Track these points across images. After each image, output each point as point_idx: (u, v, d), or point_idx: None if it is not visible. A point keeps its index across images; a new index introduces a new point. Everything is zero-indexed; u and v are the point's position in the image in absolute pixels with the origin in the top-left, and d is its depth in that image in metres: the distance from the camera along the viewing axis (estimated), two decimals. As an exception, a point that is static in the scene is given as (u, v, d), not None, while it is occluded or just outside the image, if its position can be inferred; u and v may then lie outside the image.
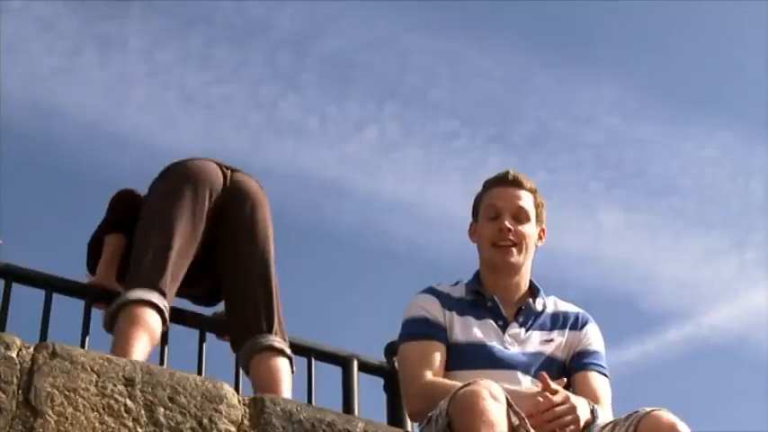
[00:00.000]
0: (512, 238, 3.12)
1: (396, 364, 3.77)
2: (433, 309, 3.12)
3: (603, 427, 2.78)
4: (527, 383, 2.99)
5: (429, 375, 2.99)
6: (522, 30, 12.82)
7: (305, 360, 3.81)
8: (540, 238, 3.23)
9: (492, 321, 3.10)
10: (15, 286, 3.52)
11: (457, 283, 3.22)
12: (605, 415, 2.91)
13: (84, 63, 10.23)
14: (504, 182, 3.23)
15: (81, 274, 3.83)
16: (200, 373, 3.59)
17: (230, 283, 3.66)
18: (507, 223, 3.13)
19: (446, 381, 2.95)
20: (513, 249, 3.12)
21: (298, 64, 11.93)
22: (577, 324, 3.17)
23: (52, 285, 3.58)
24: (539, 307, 3.16)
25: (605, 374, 3.10)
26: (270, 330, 3.52)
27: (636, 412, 2.72)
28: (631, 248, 13.14)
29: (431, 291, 3.18)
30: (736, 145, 13.39)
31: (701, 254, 13.43)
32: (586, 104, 12.91)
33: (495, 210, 3.18)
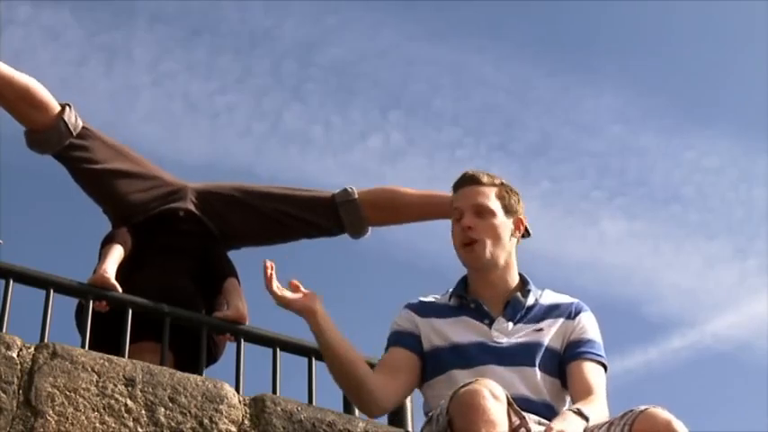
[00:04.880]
0: (472, 235, 3.11)
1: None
2: (402, 321, 3.17)
3: (600, 428, 2.76)
4: (522, 376, 2.98)
5: (372, 372, 3.07)
6: (525, 39, 12.86)
7: (305, 360, 3.81)
8: (517, 228, 3.19)
9: (477, 321, 3.09)
10: (15, 286, 3.51)
11: (447, 292, 3.22)
12: (597, 408, 2.86)
13: (90, 73, 10.27)
14: (462, 182, 3.22)
15: (81, 274, 3.84)
16: (200, 373, 3.59)
17: None
18: (467, 221, 3.12)
19: (365, 371, 3.03)
20: (476, 246, 3.10)
21: (302, 73, 11.98)
22: (571, 313, 3.12)
23: (52, 285, 3.57)
24: (529, 301, 3.12)
25: (601, 363, 3.05)
26: None
27: (631, 411, 2.69)
28: (634, 257, 13.16)
29: (409, 305, 3.21)
30: (739, 153, 13.44)
31: (703, 262, 13.46)
32: (589, 113, 12.95)
33: (457, 211, 3.17)
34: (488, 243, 3.11)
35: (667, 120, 13.22)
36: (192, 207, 4.24)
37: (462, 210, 3.15)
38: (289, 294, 3.02)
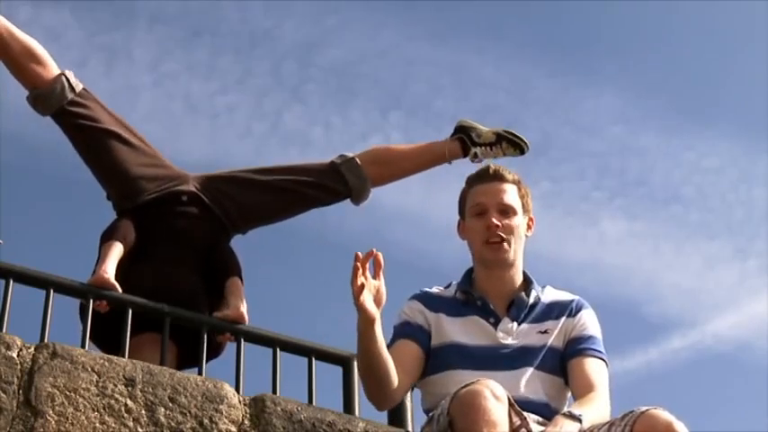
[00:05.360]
0: (500, 233, 3.11)
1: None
2: (412, 312, 3.14)
3: (600, 428, 2.76)
4: (525, 378, 2.98)
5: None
6: (525, 39, 12.89)
7: (305, 360, 3.81)
8: (528, 227, 3.22)
9: (483, 320, 3.09)
10: (15, 286, 3.51)
11: (449, 285, 3.22)
12: (594, 405, 2.87)
13: (91, 74, 10.28)
14: (487, 177, 3.21)
15: (81, 274, 3.83)
16: (200, 373, 3.59)
17: None
18: (494, 219, 3.12)
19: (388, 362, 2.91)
20: (504, 244, 3.11)
21: (302, 74, 12.00)
22: (572, 310, 3.13)
23: (52, 285, 3.57)
24: (532, 299, 3.13)
25: (602, 359, 3.06)
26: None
27: (632, 412, 2.70)
28: (634, 257, 13.20)
29: (417, 296, 3.19)
30: (739, 154, 13.47)
31: (703, 262, 13.49)
32: (589, 114, 12.98)
33: (480, 206, 3.16)
34: (512, 242, 3.13)
35: (667, 120, 13.27)
36: (195, 191, 4.22)
37: (486, 205, 3.16)
38: (368, 302, 2.83)
